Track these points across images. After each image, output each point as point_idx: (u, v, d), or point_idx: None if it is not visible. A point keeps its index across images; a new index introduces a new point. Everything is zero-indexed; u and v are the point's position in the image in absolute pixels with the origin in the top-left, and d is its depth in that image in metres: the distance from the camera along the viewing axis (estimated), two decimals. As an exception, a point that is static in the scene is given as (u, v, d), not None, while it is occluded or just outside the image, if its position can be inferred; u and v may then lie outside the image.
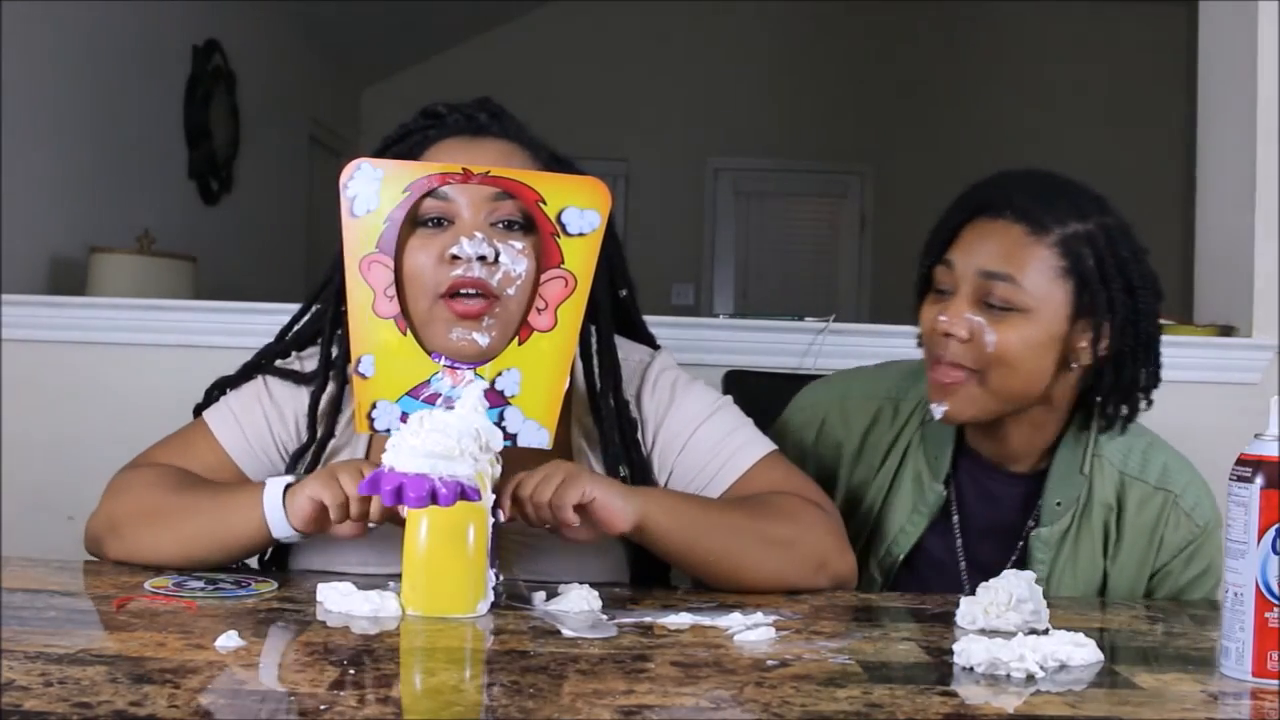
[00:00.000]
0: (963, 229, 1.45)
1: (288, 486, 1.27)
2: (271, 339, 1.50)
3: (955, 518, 1.54)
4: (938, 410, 1.44)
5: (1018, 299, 1.39)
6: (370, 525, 1.25)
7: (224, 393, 1.47)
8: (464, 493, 1.15)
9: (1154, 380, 1.47)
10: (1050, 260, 1.40)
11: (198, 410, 1.48)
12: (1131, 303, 1.42)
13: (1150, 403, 1.48)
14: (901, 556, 1.54)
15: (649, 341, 1.54)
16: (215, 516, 1.31)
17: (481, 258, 1.29)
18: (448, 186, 1.31)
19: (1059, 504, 1.50)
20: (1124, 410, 1.47)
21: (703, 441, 1.43)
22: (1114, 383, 1.45)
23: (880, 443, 1.58)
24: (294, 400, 1.43)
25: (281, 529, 1.27)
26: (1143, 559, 1.51)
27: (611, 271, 1.46)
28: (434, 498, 1.14)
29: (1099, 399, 1.46)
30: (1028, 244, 1.40)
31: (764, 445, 1.44)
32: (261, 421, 1.43)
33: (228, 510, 1.30)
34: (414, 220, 1.32)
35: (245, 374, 1.47)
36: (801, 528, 1.35)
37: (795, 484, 1.42)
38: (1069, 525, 1.50)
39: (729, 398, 1.49)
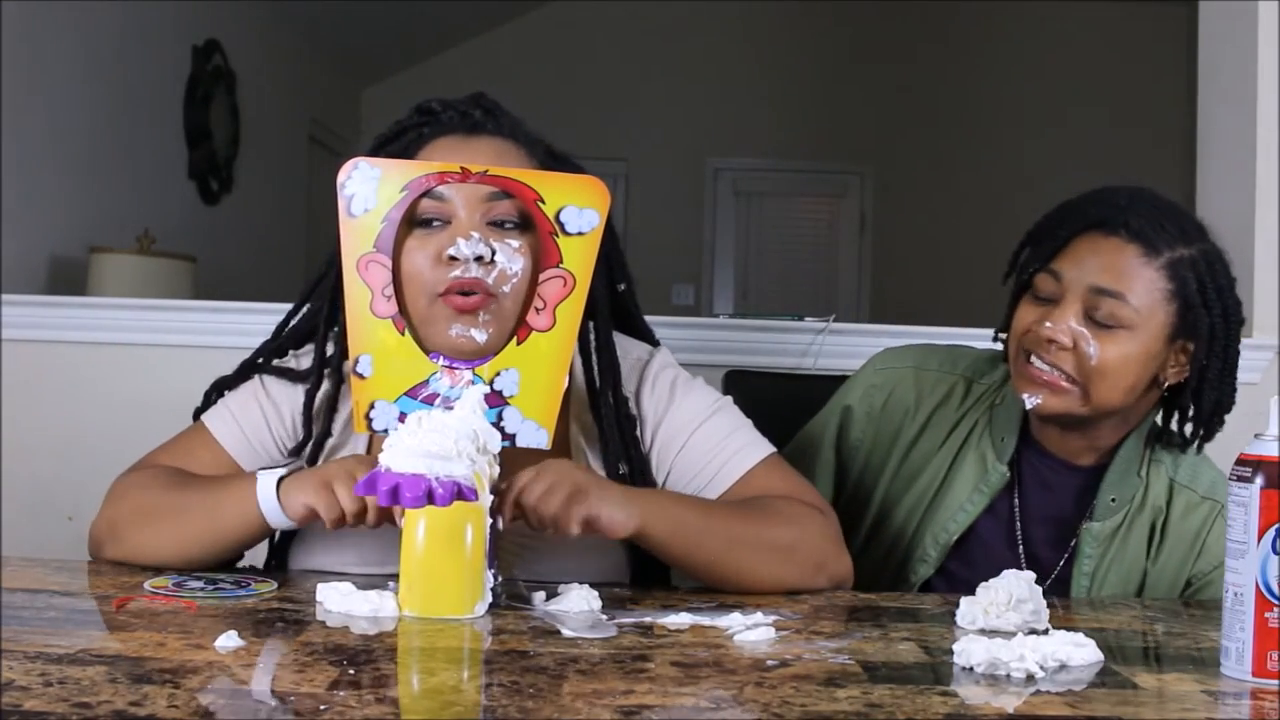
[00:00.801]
0: (1073, 241, 1.47)
1: (280, 480, 1.27)
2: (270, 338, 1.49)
3: (1015, 501, 1.57)
4: (1030, 400, 1.47)
5: (1123, 316, 1.43)
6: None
7: (222, 394, 1.46)
8: (461, 493, 1.14)
9: (1230, 403, 1.50)
10: (1158, 282, 1.43)
11: (197, 414, 1.47)
12: (1225, 328, 1.46)
13: (1223, 425, 1.51)
14: (957, 535, 1.57)
15: (648, 337, 1.54)
16: (209, 511, 1.31)
17: (479, 258, 1.29)
18: (444, 186, 1.31)
19: (1113, 500, 1.53)
20: (1202, 432, 1.51)
21: (702, 442, 1.42)
22: (1196, 404, 1.49)
23: (946, 419, 1.62)
24: (291, 399, 1.43)
25: (277, 520, 1.28)
26: (1181, 563, 1.54)
27: (610, 268, 1.46)
28: (430, 498, 1.13)
29: (1179, 418, 1.51)
30: (1139, 264, 1.43)
31: (763, 448, 1.44)
32: (260, 420, 1.42)
33: (221, 505, 1.30)
34: (410, 220, 1.31)
35: (242, 374, 1.47)
36: (801, 532, 1.35)
37: (794, 488, 1.41)
38: (1120, 522, 1.54)
39: (728, 398, 1.48)
